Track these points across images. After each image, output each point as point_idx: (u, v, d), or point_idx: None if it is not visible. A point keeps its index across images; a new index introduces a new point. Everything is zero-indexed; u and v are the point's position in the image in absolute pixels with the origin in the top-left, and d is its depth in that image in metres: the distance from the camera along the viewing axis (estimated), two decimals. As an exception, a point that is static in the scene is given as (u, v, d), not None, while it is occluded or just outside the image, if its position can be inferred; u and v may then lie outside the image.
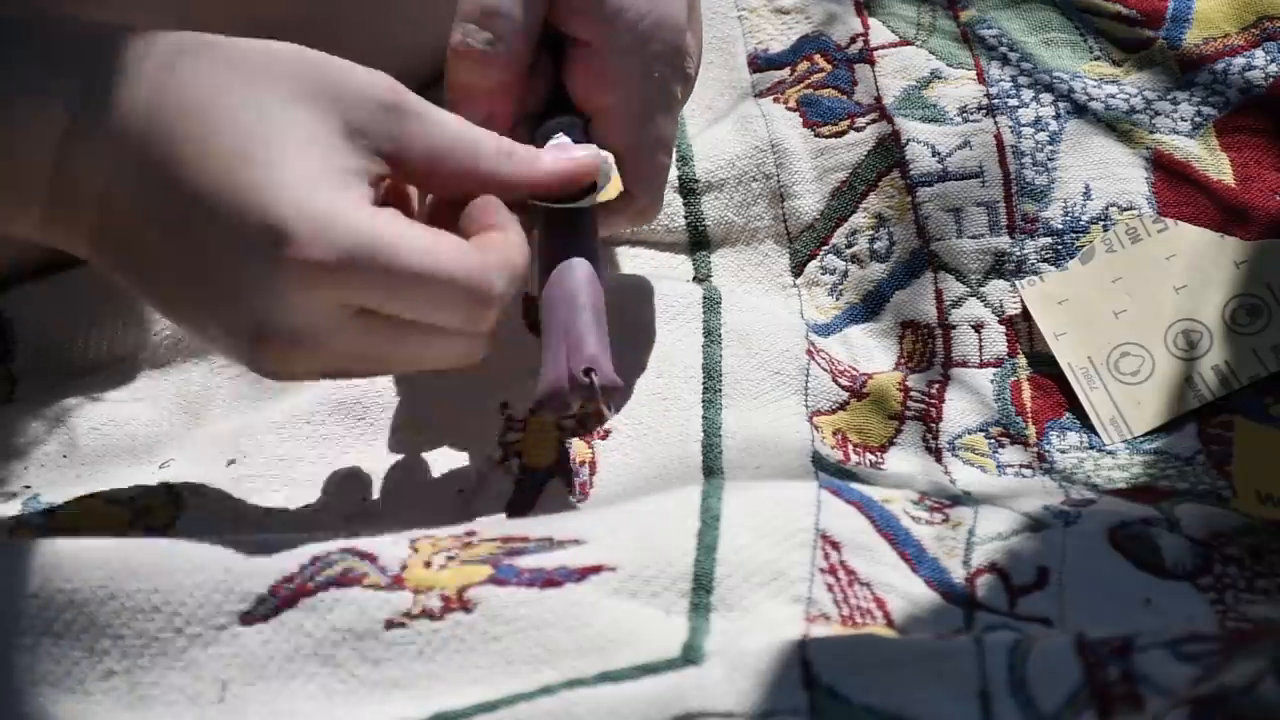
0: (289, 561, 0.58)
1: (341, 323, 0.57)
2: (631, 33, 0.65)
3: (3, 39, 0.59)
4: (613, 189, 0.65)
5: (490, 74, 0.65)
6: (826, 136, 0.81)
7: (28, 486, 0.72)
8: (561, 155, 0.64)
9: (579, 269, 0.65)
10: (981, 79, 0.82)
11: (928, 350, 0.76)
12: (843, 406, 0.74)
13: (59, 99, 0.57)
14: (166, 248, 0.57)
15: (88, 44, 0.58)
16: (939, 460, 0.73)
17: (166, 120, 0.56)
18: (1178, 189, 0.79)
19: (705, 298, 0.74)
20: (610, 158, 0.66)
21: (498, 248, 0.60)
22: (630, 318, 0.72)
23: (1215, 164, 0.79)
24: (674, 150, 0.70)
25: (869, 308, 0.78)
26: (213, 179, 0.56)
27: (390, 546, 0.58)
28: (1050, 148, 0.80)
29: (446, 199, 0.63)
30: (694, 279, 0.79)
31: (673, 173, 0.80)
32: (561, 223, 0.66)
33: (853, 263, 0.79)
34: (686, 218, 0.80)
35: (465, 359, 0.61)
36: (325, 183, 0.56)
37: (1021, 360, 0.76)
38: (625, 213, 0.68)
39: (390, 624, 0.56)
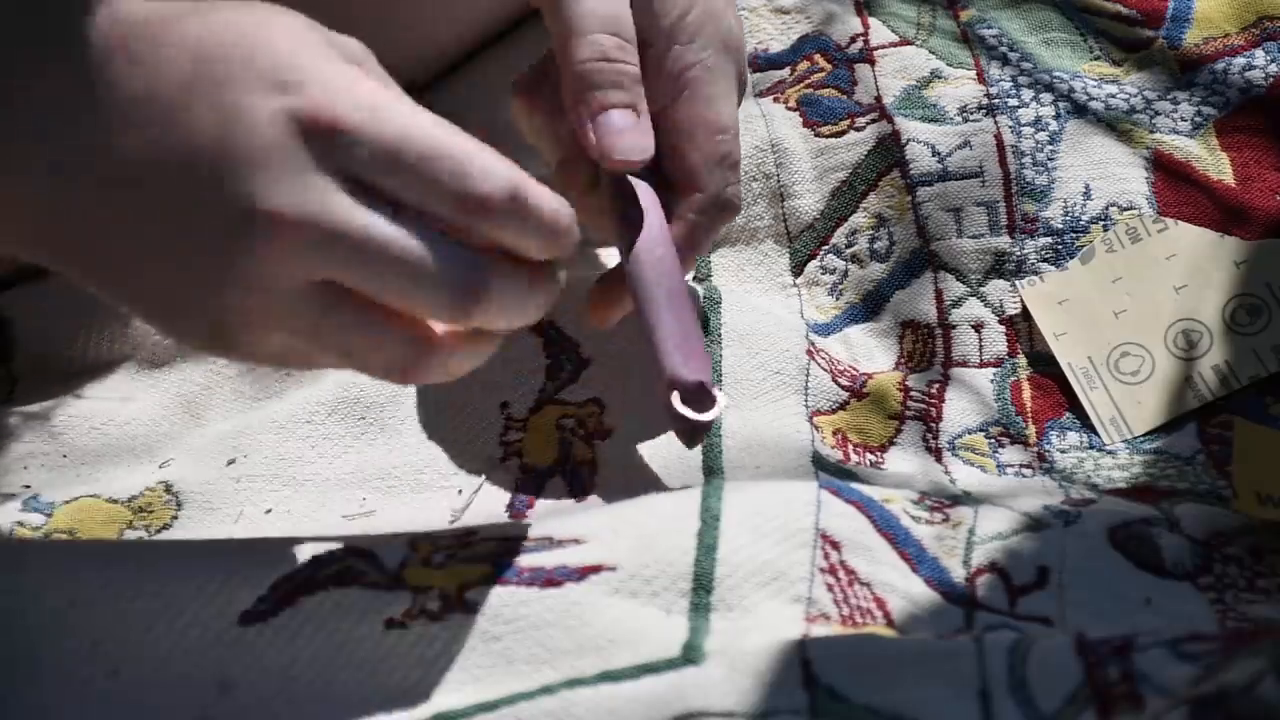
0: (289, 561, 0.58)
1: (304, 287, 0.53)
2: (680, 27, 0.66)
3: None
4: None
5: (635, 88, 0.66)
6: (826, 136, 0.81)
7: (27, 486, 0.72)
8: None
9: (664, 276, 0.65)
10: (981, 79, 0.82)
11: (928, 350, 0.76)
12: (843, 406, 0.74)
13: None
14: (137, 167, 0.52)
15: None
16: (939, 460, 0.73)
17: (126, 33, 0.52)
18: (1178, 189, 0.79)
19: (705, 297, 0.74)
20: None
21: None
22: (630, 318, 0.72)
23: (1215, 164, 0.79)
24: (738, 137, 0.68)
25: (869, 307, 0.78)
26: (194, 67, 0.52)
27: (390, 546, 0.58)
28: (1050, 147, 0.80)
29: None
30: (694, 279, 0.79)
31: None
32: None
33: (853, 262, 0.79)
34: (686, 217, 0.80)
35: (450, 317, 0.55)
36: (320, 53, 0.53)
37: (1021, 360, 0.76)
38: (698, 208, 0.67)
39: (390, 623, 0.56)
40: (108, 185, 0.52)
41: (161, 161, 0.52)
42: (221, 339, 0.54)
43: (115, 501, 0.71)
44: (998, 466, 0.73)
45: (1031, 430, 0.74)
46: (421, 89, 0.85)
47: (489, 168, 0.53)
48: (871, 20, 0.85)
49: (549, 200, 0.54)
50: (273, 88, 0.52)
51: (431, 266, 0.52)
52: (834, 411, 0.73)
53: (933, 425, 0.74)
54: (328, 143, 0.52)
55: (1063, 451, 0.73)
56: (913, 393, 0.75)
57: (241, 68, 0.52)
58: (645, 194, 0.66)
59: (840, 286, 0.79)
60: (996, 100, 0.81)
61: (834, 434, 0.72)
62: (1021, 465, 0.73)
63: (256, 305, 0.52)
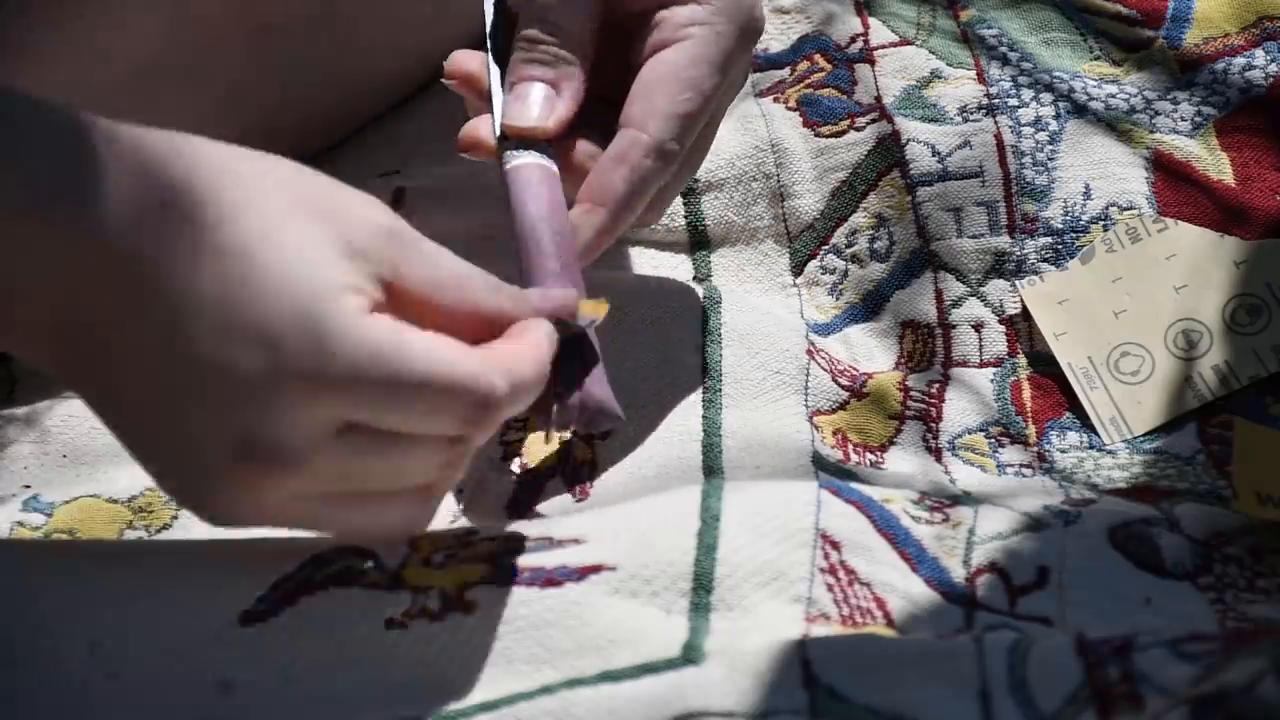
0: (289, 561, 0.58)
1: (328, 438, 0.53)
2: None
3: None
4: (599, 308, 0.64)
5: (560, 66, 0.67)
6: (826, 136, 0.81)
7: (27, 486, 0.72)
8: (544, 295, 0.61)
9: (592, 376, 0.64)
10: (981, 79, 0.82)
11: (928, 350, 0.76)
12: (843, 406, 0.74)
13: (19, 185, 0.51)
14: (144, 353, 0.52)
15: (55, 127, 0.52)
16: (939, 460, 0.73)
17: (154, 220, 0.52)
18: (1178, 189, 0.79)
19: (705, 297, 0.74)
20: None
21: (499, 353, 0.57)
22: (631, 318, 0.72)
23: (1215, 164, 0.79)
24: (705, 105, 0.68)
25: (869, 307, 0.78)
26: (206, 281, 0.52)
27: (390, 546, 0.58)
28: (1050, 147, 0.80)
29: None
30: (694, 279, 0.79)
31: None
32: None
33: (853, 262, 0.79)
34: (686, 217, 0.80)
35: (447, 478, 0.58)
36: (325, 294, 0.53)
37: (1021, 360, 0.76)
38: (645, 151, 0.66)
39: (390, 623, 0.56)
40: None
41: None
42: (238, 481, 0.53)
43: (115, 501, 0.71)
44: (998, 466, 0.73)
45: (1031, 430, 0.74)
46: (425, 85, 0.85)
47: (486, 379, 0.55)
48: (871, 20, 0.85)
49: (533, 350, 0.58)
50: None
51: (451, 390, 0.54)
52: (834, 411, 0.73)
53: (933, 425, 0.74)
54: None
55: (1063, 451, 0.73)
56: (913, 392, 0.75)
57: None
58: (538, 184, 0.66)
59: (840, 286, 0.79)
60: (996, 100, 0.81)
61: (834, 434, 0.72)
62: (1021, 465, 0.73)
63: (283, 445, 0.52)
